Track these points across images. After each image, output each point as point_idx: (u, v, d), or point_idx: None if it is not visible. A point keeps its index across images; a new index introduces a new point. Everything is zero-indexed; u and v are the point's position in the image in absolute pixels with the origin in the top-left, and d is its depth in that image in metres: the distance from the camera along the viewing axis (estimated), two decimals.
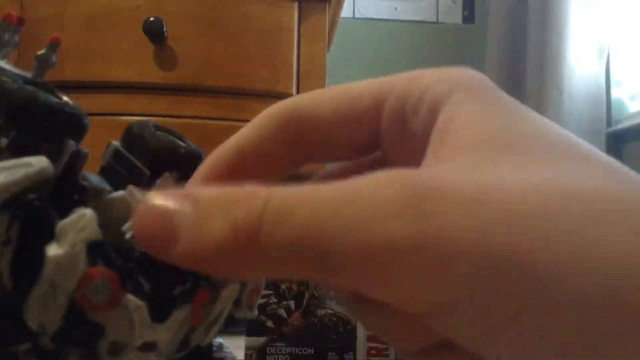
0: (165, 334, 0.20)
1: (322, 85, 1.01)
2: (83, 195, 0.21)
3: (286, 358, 0.55)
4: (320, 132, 0.18)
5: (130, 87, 0.94)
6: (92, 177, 0.22)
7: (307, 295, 0.65)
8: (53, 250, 0.18)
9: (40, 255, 0.18)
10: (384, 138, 0.18)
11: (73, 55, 0.93)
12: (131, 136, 0.25)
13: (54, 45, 0.24)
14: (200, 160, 0.24)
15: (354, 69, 1.89)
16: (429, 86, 0.17)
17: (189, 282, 0.21)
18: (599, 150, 0.15)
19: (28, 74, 0.24)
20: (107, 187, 0.22)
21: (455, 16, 2.01)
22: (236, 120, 0.95)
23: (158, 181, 0.23)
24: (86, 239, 0.18)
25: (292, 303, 0.59)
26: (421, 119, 0.16)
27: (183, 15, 0.95)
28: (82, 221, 0.18)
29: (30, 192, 0.18)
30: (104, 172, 0.24)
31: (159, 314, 0.20)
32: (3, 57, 0.23)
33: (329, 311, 0.64)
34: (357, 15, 1.96)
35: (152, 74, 0.94)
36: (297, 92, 1.00)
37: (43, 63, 0.24)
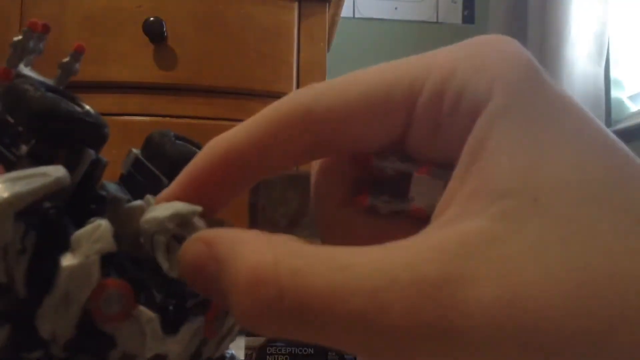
0: (176, 347, 0.20)
1: None
2: (101, 205, 0.20)
3: (286, 358, 0.55)
4: (342, 128, 0.17)
5: (130, 86, 0.94)
6: (111, 186, 0.22)
7: None
8: (67, 260, 0.18)
9: (55, 265, 0.18)
10: (413, 136, 0.16)
11: None
12: (151, 145, 0.25)
13: (77, 54, 0.23)
14: None
15: (353, 69, 1.89)
16: (466, 84, 0.15)
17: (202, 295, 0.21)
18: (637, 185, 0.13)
19: (51, 81, 0.23)
20: (126, 196, 0.22)
21: (455, 16, 2.01)
22: (236, 120, 0.94)
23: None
24: (101, 251, 0.18)
25: None
26: (459, 124, 0.15)
27: (183, 15, 0.95)
28: (97, 232, 0.18)
29: (47, 201, 0.18)
30: (124, 180, 0.24)
31: (171, 326, 0.20)
32: (27, 64, 0.23)
33: None
34: (357, 15, 1.97)
35: (151, 73, 0.94)
36: None
37: (66, 71, 0.24)
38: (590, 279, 0.12)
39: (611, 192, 0.13)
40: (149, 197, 0.19)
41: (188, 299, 0.21)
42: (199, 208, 0.17)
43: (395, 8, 1.98)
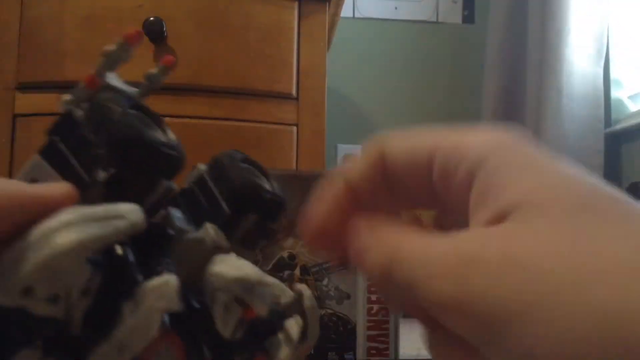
0: None
1: (322, 85, 1.01)
2: (167, 241, 0.20)
3: None
4: (397, 177, 0.21)
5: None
6: (176, 214, 0.21)
7: None
8: (130, 312, 0.18)
9: (116, 311, 0.18)
10: (437, 191, 0.21)
11: (73, 55, 0.93)
12: (218, 168, 0.24)
13: (165, 69, 0.23)
14: (283, 208, 0.24)
15: (354, 69, 1.89)
16: (465, 155, 0.19)
17: (247, 351, 0.21)
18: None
19: (135, 91, 0.23)
20: (189, 225, 0.22)
21: (455, 16, 2.01)
22: (236, 120, 0.95)
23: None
24: (165, 309, 0.18)
25: None
26: (459, 182, 0.19)
27: (183, 15, 0.95)
28: (164, 288, 0.18)
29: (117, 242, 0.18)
30: (185, 195, 0.23)
31: None
32: (113, 70, 0.22)
33: (329, 311, 0.64)
34: (357, 15, 1.96)
35: None
36: (297, 92, 1.00)
37: (152, 82, 0.23)
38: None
39: (602, 198, 0.17)
40: (208, 227, 0.18)
41: (234, 354, 0.20)
42: (269, 279, 0.18)
43: (395, 8, 1.98)
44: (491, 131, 0.20)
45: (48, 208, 0.17)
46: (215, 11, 0.97)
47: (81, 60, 0.93)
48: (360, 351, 0.64)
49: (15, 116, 0.93)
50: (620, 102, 1.73)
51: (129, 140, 0.19)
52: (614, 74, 1.71)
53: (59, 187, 0.18)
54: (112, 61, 0.22)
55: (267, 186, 0.24)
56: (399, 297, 0.20)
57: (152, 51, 0.93)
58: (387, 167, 0.21)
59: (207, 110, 0.94)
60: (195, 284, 0.18)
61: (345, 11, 1.77)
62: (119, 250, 0.18)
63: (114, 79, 0.22)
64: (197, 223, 0.22)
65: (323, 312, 0.64)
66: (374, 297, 0.65)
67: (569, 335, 0.14)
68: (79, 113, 0.20)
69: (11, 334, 0.17)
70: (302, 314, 0.20)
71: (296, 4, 1.00)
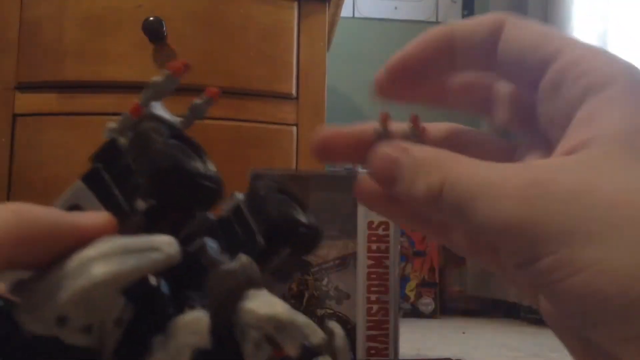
0: None
1: (322, 85, 1.01)
2: (201, 272, 0.20)
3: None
4: (506, 57, 0.21)
5: (130, 86, 0.94)
6: (210, 245, 0.21)
7: (306, 295, 0.65)
8: (159, 347, 0.18)
9: (146, 343, 0.18)
10: (540, 91, 0.21)
11: (73, 55, 0.93)
12: (255, 198, 0.24)
13: (210, 100, 0.23)
14: (319, 239, 0.24)
15: (354, 69, 1.89)
16: (589, 71, 0.19)
17: None
18: None
19: (178, 121, 0.23)
20: (223, 258, 0.22)
21: (455, 16, 2.01)
22: (236, 120, 0.95)
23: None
24: (195, 346, 0.18)
25: (292, 303, 0.59)
26: (574, 93, 0.19)
27: (183, 15, 0.95)
28: (196, 325, 0.18)
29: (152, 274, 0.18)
30: (221, 224, 0.23)
31: None
32: (158, 99, 0.22)
33: (329, 311, 0.64)
34: (356, 15, 1.96)
35: (152, 73, 0.93)
36: (297, 92, 1.00)
37: (196, 113, 0.23)
38: None
39: None
40: (242, 258, 0.18)
41: None
42: (300, 319, 0.18)
43: (395, 8, 1.98)
44: (619, 60, 0.20)
45: (86, 237, 0.17)
46: (215, 11, 0.97)
47: (81, 60, 0.93)
48: (360, 351, 0.65)
49: (15, 116, 0.93)
50: None
51: (167, 171, 0.19)
52: None
53: (98, 217, 0.18)
54: (157, 92, 0.22)
55: (303, 219, 0.24)
56: (432, 219, 0.23)
57: (152, 51, 0.93)
58: (498, 44, 0.21)
59: (206, 110, 0.94)
60: (226, 318, 0.18)
61: (345, 11, 1.77)
62: (153, 281, 0.18)
63: (158, 108, 0.22)
64: (232, 253, 0.21)
65: (323, 312, 0.64)
66: (373, 297, 0.65)
67: (623, 270, 0.16)
68: (123, 141, 0.20)
69: None
70: (333, 355, 0.20)
71: (296, 4, 1.00)
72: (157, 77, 0.22)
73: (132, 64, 0.94)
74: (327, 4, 1.03)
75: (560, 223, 0.17)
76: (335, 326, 0.21)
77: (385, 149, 0.22)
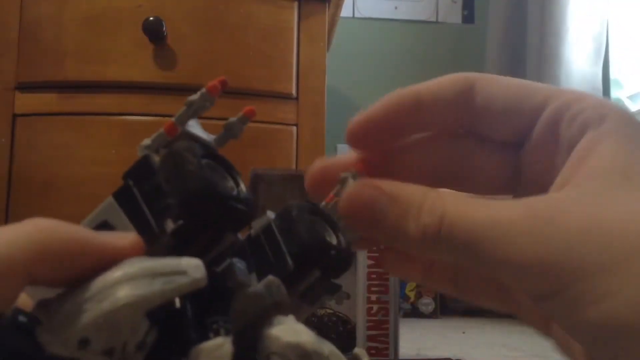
0: None
1: (322, 85, 1.01)
2: (227, 294, 0.20)
3: None
4: (490, 111, 0.22)
5: (130, 86, 0.94)
6: (238, 266, 0.21)
7: None
8: None
9: None
10: (534, 137, 0.22)
11: (73, 55, 0.93)
12: (287, 220, 0.23)
13: (245, 119, 0.23)
14: (350, 263, 0.24)
15: (353, 69, 1.89)
16: (584, 109, 0.20)
17: None
18: None
19: (212, 140, 0.23)
20: (250, 279, 0.21)
21: (455, 16, 2.01)
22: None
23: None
24: None
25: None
26: (572, 131, 0.20)
27: (183, 15, 0.95)
28: (218, 351, 0.18)
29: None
30: (251, 244, 0.23)
31: None
32: (194, 117, 0.22)
33: (329, 311, 0.64)
34: (357, 15, 1.96)
35: (152, 73, 0.94)
36: (297, 92, 1.00)
37: (230, 132, 0.23)
38: None
39: None
40: (271, 281, 0.18)
41: None
42: (326, 349, 0.18)
43: (395, 8, 1.98)
44: (607, 100, 0.21)
45: (113, 257, 0.17)
46: (215, 11, 0.97)
47: (81, 60, 0.93)
48: None
49: (15, 116, 0.93)
50: (619, 102, 1.73)
51: (199, 194, 0.19)
52: (613, 74, 1.71)
53: (125, 238, 0.18)
54: (193, 110, 0.22)
55: (334, 242, 0.23)
56: (420, 258, 0.23)
57: (152, 51, 0.93)
58: (474, 98, 0.22)
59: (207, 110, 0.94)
60: (249, 343, 0.18)
61: (345, 11, 1.77)
62: (177, 303, 0.18)
63: (194, 126, 0.22)
64: (260, 274, 0.21)
65: (323, 312, 0.64)
66: (373, 297, 0.65)
67: (634, 301, 0.16)
68: (156, 159, 0.20)
69: None
70: None
71: (296, 4, 1.00)
72: (193, 96, 0.22)
73: (132, 64, 0.94)
74: (327, 4, 1.03)
75: (578, 257, 0.17)
76: (362, 353, 0.21)
77: (356, 190, 0.21)
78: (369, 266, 0.64)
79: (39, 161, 0.92)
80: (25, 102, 0.93)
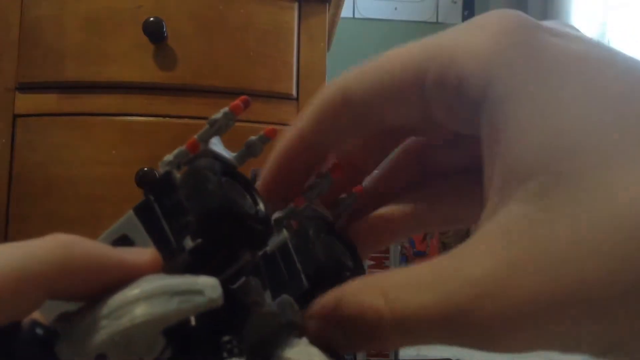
0: None
1: (322, 85, 1.01)
2: (242, 311, 0.20)
3: None
4: (369, 109, 0.19)
5: (130, 87, 0.94)
6: (253, 284, 0.21)
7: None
8: None
9: None
10: (434, 116, 0.18)
11: (73, 56, 0.93)
12: (304, 239, 0.23)
13: (266, 139, 0.23)
14: None
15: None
16: (464, 71, 0.16)
17: None
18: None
19: (233, 158, 0.23)
20: (265, 297, 0.21)
21: (455, 16, 2.01)
22: (236, 119, 0.94)
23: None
24: None
25: None
26: (466, 108, 0.17)
27: (183, 15, 0.95)
28: None
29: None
30: (266, 260, 0.23)
31: None
32: (217, 135, 0.22)
33: None
34: (357, 15, 1.97)
35: (152, 74, 0.94)
36: (297, 92, 1.00)
37: (251, 150, 0.23)
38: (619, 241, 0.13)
39: (628, 142, 0.14)
40: (285, 299, 0.19)
41: None
42: None
43: (395, 8, 1.99)
44: (490, 25, 0.16)
45: (132, 273, 0.17)
46: (215, 12, 0.97)
47: (81, 60, 0.93)
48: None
49: (15, 116, 0.93)
50: None
51: (218, 213, 0.19)
52: None
53: (143, 254, 0.18)
54: (215, 129, 0.22)
55: (349, 263, 0.23)
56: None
57: (152, 51, 0.93)
58: (348, 104, 0.19)
59: (207, 111, 0.94)
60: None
61: (345, 11, 1.77)
62: (193, 321, 0.19)
63: (216, 144, 0.22)
64: (275, 292, 0.21)
65: None
66: None
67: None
68: (178, 176, 0.20)
69: None
70: None
71: (296, 5, 1.00)
72: (216, 114, 0.22)
73: (132, 64, 0.94)
74: (327, 5, 1.03)
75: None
76: None
77: (318, 309, 0.19)
78: (370, 266, 0.64)
79: (39, 161, 0.92)
80: (26, 102, 0.93)
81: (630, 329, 0.13)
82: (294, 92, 1.00)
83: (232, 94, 0.96)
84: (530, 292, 0.13)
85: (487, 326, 0.14)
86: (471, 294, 0.14)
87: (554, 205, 0.14)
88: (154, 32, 0.91)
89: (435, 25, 1.99)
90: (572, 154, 0.14)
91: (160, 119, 0.92)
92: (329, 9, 1.05)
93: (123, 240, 0.20)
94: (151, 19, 0.91)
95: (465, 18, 2.02)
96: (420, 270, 0.16)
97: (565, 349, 0.14)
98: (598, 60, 0.15)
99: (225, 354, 0.19)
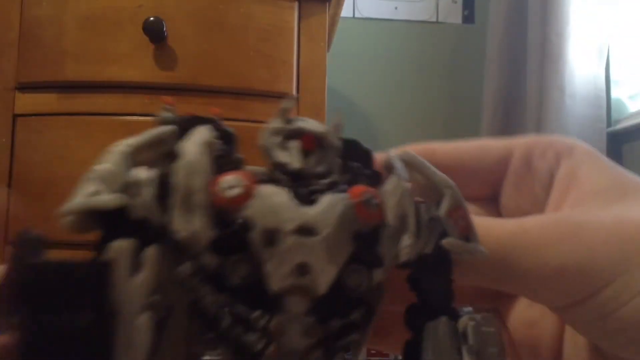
0: (320, 215, 0.17)
1: (322, 85, 1.01)
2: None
3: None
4: (454, 171, 0.22)
5: (130, 86, 0.94)
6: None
7: None
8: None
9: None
10: (509, 176, 0.23)
11: (73, 56, 0.93)
12: None
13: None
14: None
15: (354, 69, 1.89)
16: (552, 143, 0.22)
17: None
18: None
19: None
20: None
21: (455, 16, 2.01)
22: (236, 120, 0.94)
23: None
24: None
25: None
26: (547, 162, 0.22)
27: (183, 15, 0.95)
28: None
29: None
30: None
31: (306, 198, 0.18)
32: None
33: None
34: (357, 15, 1.96)
35: (152, 73, 0.94)
36: (297, 92, 1.00)
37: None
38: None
39: None
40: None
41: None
42: None
43: (395, 8, 1.98)
44: (568, 138, 0.22)
45: None
46: (215, 11, 0.97)
47: (81, 60, 0.93)
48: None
49: (15, 116, 0.93)
50: (620, 102, 1.73)
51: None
52: (614, 74, 1.71)
53: None
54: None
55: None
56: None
57: (152, 51, 0.93)
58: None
59: (207, 111, 0.94)
60: None
61: (345, 11, 1.77)
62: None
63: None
64: None
65: None
66: None
67: None
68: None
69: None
70: None
71: (296, 4, 1.00)
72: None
73: (132, 64, 0.94)
74: (328, 4, 1.03)
75: (610, 256, 0.18)
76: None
77: None
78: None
79: (39, 161, 0.92)
80: (26, 102, 0.93)
81: None
82: (294, 92, 1.00)
83: (232, 93, 0.96)
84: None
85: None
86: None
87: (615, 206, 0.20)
88: (154, 32, 0.91)
89: (435, 25, 1.99)
90: (632, 189, 0.20)
91: None
92: (329, 9, 1.05)
93: None
94: (151, 18, 0.91)
95: (465, 18, 2.01)
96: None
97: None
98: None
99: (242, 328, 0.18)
